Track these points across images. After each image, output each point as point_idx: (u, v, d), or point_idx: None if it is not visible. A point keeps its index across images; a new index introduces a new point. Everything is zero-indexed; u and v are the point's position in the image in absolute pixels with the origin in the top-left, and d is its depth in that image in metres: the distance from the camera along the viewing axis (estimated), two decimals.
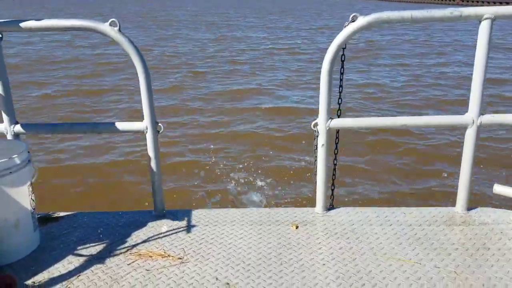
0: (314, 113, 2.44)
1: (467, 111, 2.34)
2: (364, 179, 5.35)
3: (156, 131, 2.42)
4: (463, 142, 2.41)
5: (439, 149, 6.35)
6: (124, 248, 2.19)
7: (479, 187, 4.76)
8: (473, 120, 2.31)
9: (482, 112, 2.31)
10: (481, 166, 5.55)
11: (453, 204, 2.55)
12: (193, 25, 27.35)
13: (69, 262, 2.08)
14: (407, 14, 2.20)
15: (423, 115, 2.47)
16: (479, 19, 2.19)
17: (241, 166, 5.91)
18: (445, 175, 5.43)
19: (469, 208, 2.50)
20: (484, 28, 2.19)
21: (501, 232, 2.27)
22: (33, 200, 2.19)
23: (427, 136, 6.78)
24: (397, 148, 6.39)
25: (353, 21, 2.21)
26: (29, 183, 2.14)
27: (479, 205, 2.59)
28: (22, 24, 2.24)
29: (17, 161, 2.05)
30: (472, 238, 2.23)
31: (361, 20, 2.20)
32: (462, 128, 2.37)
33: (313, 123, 2.41)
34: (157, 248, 2.19)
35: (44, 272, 2.01)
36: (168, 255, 2.12)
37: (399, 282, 1.89)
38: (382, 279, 1.92)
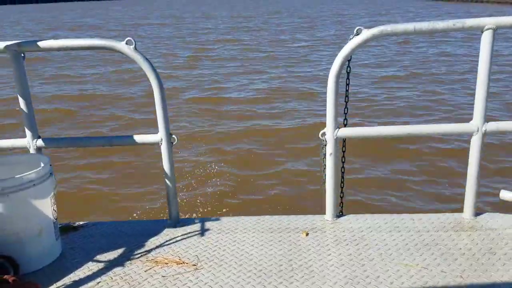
0: None
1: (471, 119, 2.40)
2: (372, 187, 5.38)
3: (170, 143, 2.52)
4: (469, 149, 2.46)
5: (447, 155, 6.35)
6: (141, 255, 2.29)
7: (487, 193, 4.76)
8: (478, 128, 2.37)
9: (486, 119, 2.36)
10: (488, 172, 5.54)
11: (460, 210, 2.60)
12: None
13: (89, 270, 2.19)
14: (410, 26, 2.27)
15: (429, 123, 2.53)
16: (481, 29, 2.25)
17: (253, 174, 6.00)
18: (453, 181, 5.43)
19: (476, 214, 2.54)
20: (486, 38, 2.25)
21: (508, 237, 2.31)
22: (55, 211, 2.31)
23: (434, 143, 6.77)
24: (405, 155, 6.40)
25: (357, 34, 2.29)
26: (51, 194, 2.26)
27: (487, 211, 2.63)
28: (42, 44, 2.38)
29: (40, 174, 2.17)
30: (479, 243, 2.27)
31: (366, 33, 2.28)
32: (468, 135, 2.43)
33: (321, 132, 2.48)
34: (173, 255, 2.28)
35: (65, 278, 2.12)
36: (183, 262, 2.21)
37: (406, 287, 1.95)
38: (390, 284, 1.97)
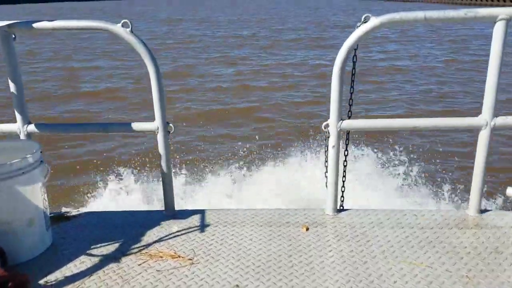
0: None
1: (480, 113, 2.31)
2: (375, 181, 5.30)
3: (167, 132, 2.43)
4: (476, 143, 2.38)
5: (452, 150, 6.28)
6: (135, 248, 2.21)
7: (492, 189, 4.70)
8: (487, 122, 2.28)
9: (495, 114, 2.28)
10: (495, 168, 5.47)
11: (465, 206, 2.52)
12: None
13: (81, 262, 2.10)
14: (420, 14, 2.17)
15: (436, 117, 2.45)
16: (493, 20, 2.15)
17: (252, 165, 5.91)
18: (458, 176, 5.37)
19: (481, 211, 2.47)
20: (498, 29, 2.16)
21: None
22: (45, 200, 2.21)
23: (440, 137, 6.70)
24: (409, 149, 6.32)
25: (365, 21, 2.19)
26: (41, 182, 2.17)
27: (492, 207, 2.56)
28: (35, 25, 2.26)
29: (30, 161, 2.07)
30: (485, 241, 2.20)
31: (374, 21, 2.18)
32: (476, 130, 2.34)
33: (324, 124, 2.39)
34: (168, 248, 2.20)
35: (56, 271, 2.03)
36: (179, 256, 2.12)
37: (410, 286, 1.88)
38: (393, 283, 1.90)
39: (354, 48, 2.27)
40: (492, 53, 2.21)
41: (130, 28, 2.23)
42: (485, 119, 2.28)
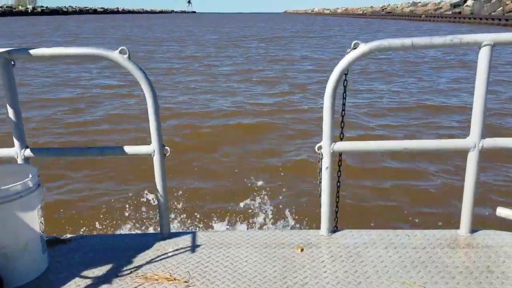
0: None
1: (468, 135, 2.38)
2: (368, 201, 5.34)
3: (163, 155, 2.47)
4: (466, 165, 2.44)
5: (443, 170, 6.34)
6: (130, 271, 2.22)
7: (483, 209, 4.75)
8: (475, 144, 2.34)
9: (483, 135, 2.34)
10: (484, 187, 5.53)
11: (457, 226, 2.57)
12: None
13: (76, 285, 2.11)
14: (408, 41, 2.26)
15: (425, 139, 2.51)
16: (478, 45, 2.24)
17: (247, 187, 5.93)
18: (449, 197, 5.42)
19: (473, 231, 2.51)
20: (483, 54, 2.25)
21: (505, 255, 2.28)
22: (42, 223, 2.23)
23: (430, 158, 6.76)
24: (401, 170, 6.38)
25: (355, 48, 2.28)
26: (39, 206, 2.19)
27: (483, 227, 2.60)
28: (33, 52, 2.32)
29: (28, 185, 2.10)
30: (476, 261, 2.24)
31: (363, 47, 2.27)
32: (465, 151, 2.40)
33: (317, 146, 2.45)
34: (163, 271, 2.21)
35: None
36: (174, 279, 2.14)
37: None
38: None
39: (344, 73, 2.35)
40: (478, 77, 2.29)
41: (127, 55, 2.29)
42: (474, 141, 2.35)
